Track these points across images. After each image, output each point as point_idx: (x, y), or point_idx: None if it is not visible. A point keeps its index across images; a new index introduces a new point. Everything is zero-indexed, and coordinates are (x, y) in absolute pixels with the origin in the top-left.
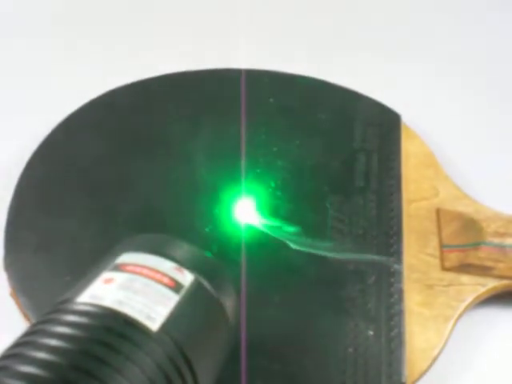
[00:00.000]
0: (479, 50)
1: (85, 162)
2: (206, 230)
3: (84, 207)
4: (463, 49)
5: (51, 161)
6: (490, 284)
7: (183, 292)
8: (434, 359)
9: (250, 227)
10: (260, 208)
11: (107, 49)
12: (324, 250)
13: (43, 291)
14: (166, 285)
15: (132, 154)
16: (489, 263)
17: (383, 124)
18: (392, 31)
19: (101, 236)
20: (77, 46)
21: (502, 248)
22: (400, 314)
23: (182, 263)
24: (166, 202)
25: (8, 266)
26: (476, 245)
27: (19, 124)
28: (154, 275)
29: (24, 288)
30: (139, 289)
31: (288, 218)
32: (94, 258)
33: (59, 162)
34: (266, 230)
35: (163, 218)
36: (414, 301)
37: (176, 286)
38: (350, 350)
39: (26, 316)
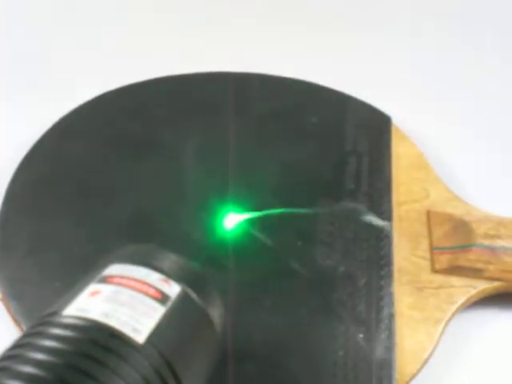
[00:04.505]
0: (470, 49)
1: (75, 167)
2: (195, 235)
3: (74, 213)
4: (454, 49)
5: (41, 166)
6: (481, 286)
7: (170, 304)
8: (425, 362)
9: (238, 232)
10: (249, 212)
11: (98, 52)
12: (314, 253)
13: (33, 296)
14: (152, 296)
15: (122, 158)
16: (479, 265)
17: (373, 126)
18: (381, 32)
19: (91, 242)
20: (70, 49)
21: (492, 250)
22: (390, 316)
23: (169, 274)
24: (156, 207)
25: None
26: (466, 247)
27: (9, 128)
28: (141, 287)
29: (14, 293)
30: (125, 301)
31: (278, 222)
32: (84, 263)
33: (49, 167)
34: (255, 234)
35: (153, 223)
36: (404, 303)
37: (162, 298)
38: (341, 353)
39: (16, 321)
